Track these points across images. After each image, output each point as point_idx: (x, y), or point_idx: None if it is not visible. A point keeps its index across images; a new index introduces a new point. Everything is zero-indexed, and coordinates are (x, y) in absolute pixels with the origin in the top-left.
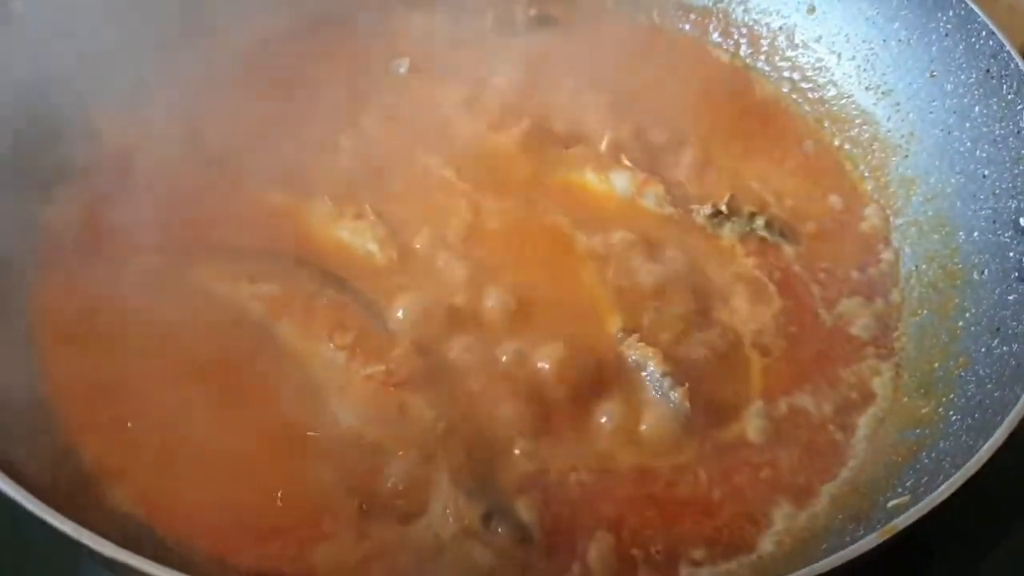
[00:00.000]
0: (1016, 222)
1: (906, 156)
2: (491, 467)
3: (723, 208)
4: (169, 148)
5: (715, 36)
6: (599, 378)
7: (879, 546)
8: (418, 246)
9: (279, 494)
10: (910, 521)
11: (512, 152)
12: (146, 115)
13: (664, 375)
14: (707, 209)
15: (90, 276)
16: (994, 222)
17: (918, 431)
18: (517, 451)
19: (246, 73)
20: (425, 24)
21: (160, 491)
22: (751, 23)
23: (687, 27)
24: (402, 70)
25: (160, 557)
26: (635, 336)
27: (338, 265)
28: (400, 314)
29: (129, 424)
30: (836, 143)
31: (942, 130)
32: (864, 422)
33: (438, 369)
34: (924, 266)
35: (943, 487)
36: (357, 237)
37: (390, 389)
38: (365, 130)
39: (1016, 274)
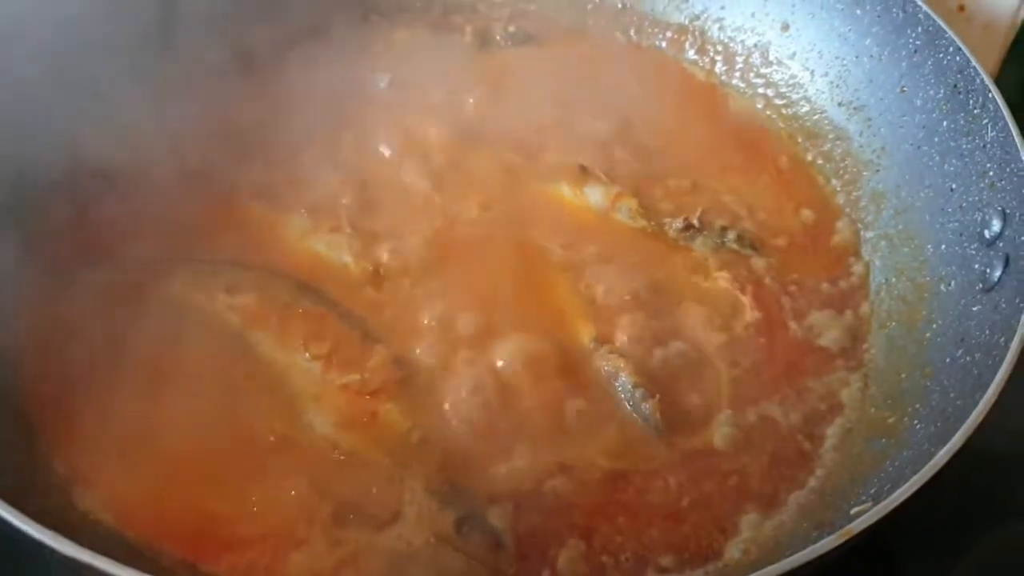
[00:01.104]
0: (981, 234)
1: (877, 170)
2: (464, 475)
3: (695, 222)
4: (146, 161)
5: (691, 53)
6: (572, 388)
7: (837, 548)
8: (393, 258)
9: (253, 501)
10: (866, 524)
11: (488, 165)
12: (124, 128)
13: (635, 385)
14: (679, 223)
15: (67, 286)
16: (960, 235)
17: (884, 441)
18: (490, 460)
19: (225, 86)
20: (406, 39)
21: (132, 497)
22: (726, 40)
23: (663, 44)
24: (382, 84)
25: (130, 562)
26: (607, 347)
27: (314, 277)
28: (375, 326)
29: (102, 430)
30: (809, 158)
31: (912, 145)
32: (832, 432)
33: (412, 379)
34: (893, 279)
35: (899, 491)
36: (333, 249)
37: (365, 398)
38: (343, 143)
39: (980, 285)
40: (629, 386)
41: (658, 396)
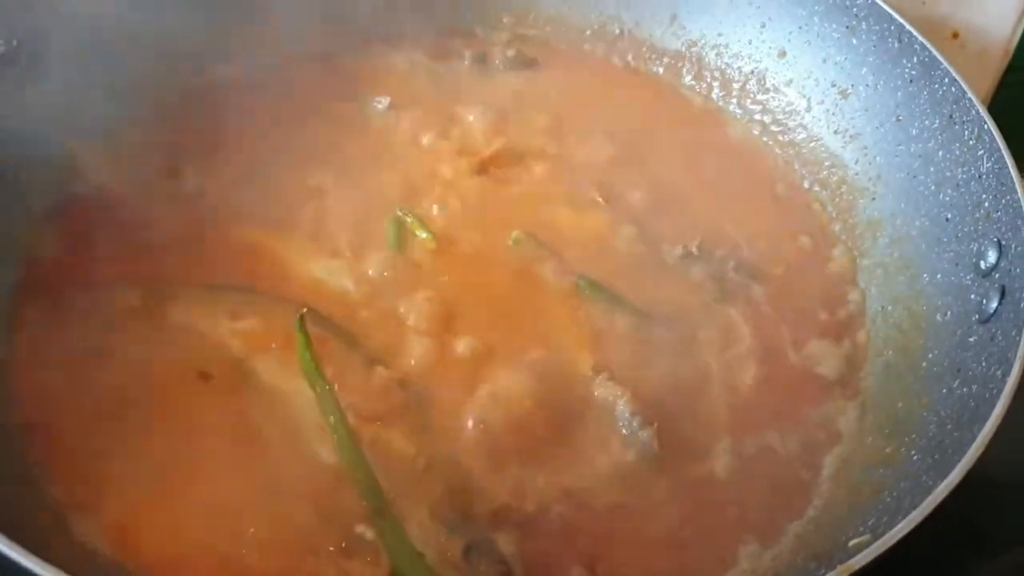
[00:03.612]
0: (977, 265)
1: (873, 198)
2: (470, 501)
3: (694, 250)
4: (147, 185)
5: (688, 79)
6: (571, 416)
7: None
8: (393, 283)
9: (258, 532)
10: (867, 560)
11: (486, 190)
12: (124, 151)
13: (633, 414)
14: (678, 250)
15: (68, 311)
16: (956, 265)
17: (881, 471)
18: (495, 486)
19: (225, 110)
20: (405, 63)
21: (132, 527)
22: (723, 67)
23: (660, 70)
24: (381, 107)
25: None
26: (605, 375)
27: (315, 302)
28: (376, 350)
29: (102, 458)
30: (805, 185)
31: (907, 174)
32: (830, 461)
33: (416, 403)
34: (890, 307)
35: (899, 526)
36: (333, 274)
37: (369, 424)
38: (343, 167)
39: (977, 316)
40: (627, 414)
41: (656, 424)
